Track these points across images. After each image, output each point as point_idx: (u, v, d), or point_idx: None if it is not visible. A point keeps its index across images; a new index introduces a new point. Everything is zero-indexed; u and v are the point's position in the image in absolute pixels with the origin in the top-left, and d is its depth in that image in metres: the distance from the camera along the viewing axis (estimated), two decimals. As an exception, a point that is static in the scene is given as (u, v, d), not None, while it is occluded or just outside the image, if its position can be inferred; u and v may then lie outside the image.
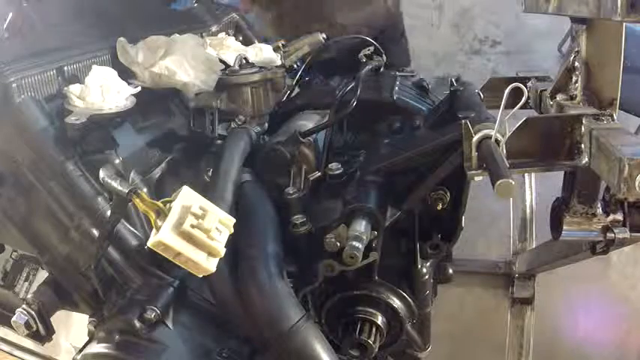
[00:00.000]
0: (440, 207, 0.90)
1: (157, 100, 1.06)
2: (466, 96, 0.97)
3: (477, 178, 0.76)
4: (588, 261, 1.13)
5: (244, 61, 1.11)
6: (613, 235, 0.86)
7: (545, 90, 0.90)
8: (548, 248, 1.32)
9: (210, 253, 0.70)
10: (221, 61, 1.10)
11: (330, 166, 0.94)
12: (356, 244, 0.79)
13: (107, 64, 1.05)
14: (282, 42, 1.31)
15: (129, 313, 0.82)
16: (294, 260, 0.92)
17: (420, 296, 0.97)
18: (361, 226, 0.82)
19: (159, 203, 0.70)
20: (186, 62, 1.05)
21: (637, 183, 0.61)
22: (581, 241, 0.94)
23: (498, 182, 0.64)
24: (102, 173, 0.85)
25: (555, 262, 1.29)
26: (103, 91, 0.92)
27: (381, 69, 1.17)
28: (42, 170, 0.88)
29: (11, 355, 1.65)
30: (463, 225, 0.93)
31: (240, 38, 1.44)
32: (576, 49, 0.81)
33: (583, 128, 0.74)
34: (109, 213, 0.86)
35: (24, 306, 0.95)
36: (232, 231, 0.73)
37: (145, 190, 0.87)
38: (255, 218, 0.91)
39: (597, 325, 1.48)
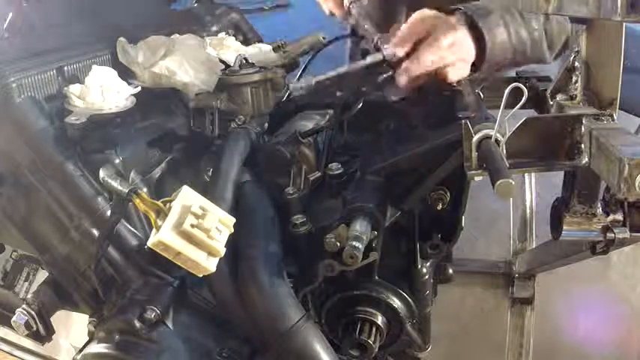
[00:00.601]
0: (440, 207, 0.90)
1: (157, 100, 1.07)
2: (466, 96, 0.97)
3: (476, 178, 0.76)
4: (588, 261, 1.13)
5: (244, 61, 1.11)
6: (613, 235, 0.86)
7: (545, 90, 0.90)
8: (548, 248, 1.32)
9: (210, 253, 0.70)
10: (221, 61, 1.10)
11: (330, 166, 0.93)
12: (356, 244, 0.79)
13: (107, 64, 1.05)
14: (282, 42, 1.31)
15: (129, 313, 0.82)
16: (294, 260, 0.92)
17: (420, 296, 0.97)
18: (361, 226, 0.82)
19: (159, 203, 0.70)
20: (186, 62, 1.05)
21: (637, 183, 0.61)
22: (581, 241, 0.94)
23: (498, 182, 0.64)
24: (102, 173, 0.85)
25: (555, 262, 1.29)
26: (103, 91, 0.92)
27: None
28: (42, 170, 0.88)
29: (11, 355, 1.65)
30: (463, 225, 0.93)
31: (241, 38, 1.44)
32: (576, 49, 0.81)
33: (583, 128, 0.74)
34: (109, 213, 0.86)
35: (24, 306, 0.95)
36: (232, 231, 0.73)
37: (145, 189, 0.87)
38: (255, 218, 0.91)
39: (597, 325, 1.48)
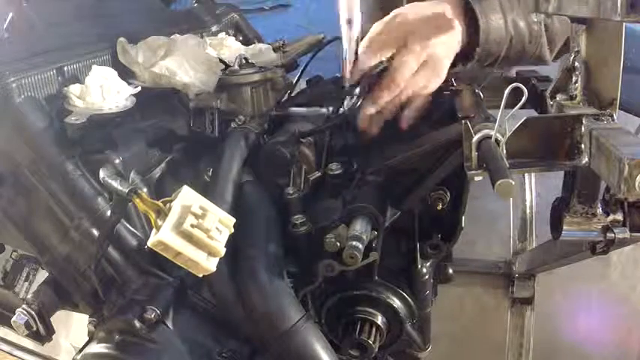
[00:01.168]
0: (440, 207, 0.90)
1: (157, 100, 1.06)
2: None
3: (476, 178, 0.76)
4: (588, 261, 1.13)
5: (244, 61, 1.11)
6: (613, 235, 0.86)
7: (545, 90, 0.90)
8: (548, 248, 1.31)
9: (211, 253, 0.70)
10: (221, 61, 1.10)
11: (330, 166, 0.94)
12: (356, 244, 0.79)
13: (107, 64, 1.05)
14: (282, 42, 1.31)
15: (129, 313, 0.82)
16: (294, 260, 0.92)
17: (420, 296, 0.97)
18: (361, 226, 0.82)
19: (159, 203, 0.70)
20: (186, 63, 1.05)
21: (637, 183, 0.61)
22: (581, 241, 0.94)
23: (498, 182, 0.64)
24: (102, 173, 0.85)
25: (555, 262, 1.29)
26: (103, 91, 0.92)
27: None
28: (42, 170, 0.88)
29: (11, 355, 1.65)
30: (463, 225, 0.93)
31: (240, 38, 1.45)
32: (576, 49, 0.81)
33: (583, 128, 0.74)
34: (109, 213, 0.86)
35: (24, 306, 0.95)
36: (232, 230, 0.73)
37: (145, 189, 0.86)
38: (255, 218, 0.91)
39: (597, 325, 1.48)
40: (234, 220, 0.74)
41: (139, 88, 0.98)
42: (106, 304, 0.89)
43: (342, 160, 0.95)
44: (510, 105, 0.72)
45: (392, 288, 0.94)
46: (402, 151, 0.90)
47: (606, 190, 0.85)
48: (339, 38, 1.18)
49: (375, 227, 0.84)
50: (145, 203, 0.71)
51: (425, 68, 0.91)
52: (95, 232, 0.87)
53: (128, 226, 0.90)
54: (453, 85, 1.00)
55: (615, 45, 0.78)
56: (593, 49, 0.80)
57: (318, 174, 0.95)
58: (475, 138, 0.73)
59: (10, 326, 0.96)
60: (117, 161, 0.89)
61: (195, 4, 1.53)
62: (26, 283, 1.12)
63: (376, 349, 0.92)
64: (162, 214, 0.69)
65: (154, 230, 0.69)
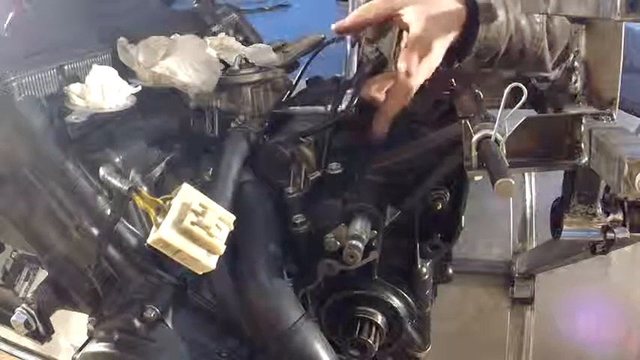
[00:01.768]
0: (440, 207, 0.90)
1: (157, 99, 1.07)
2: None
3: (476, 178, 0.76)
4: (588, 261, 1.13)
5: (244, 61, 1.11)
6: (613, 235, 0.86)
7: (545, 90, 0.90)
8: (548, 248, 1.31)
9: (210, 250, 0.70)
10: (221, 61, 1.10)
11: (330, 165, 0.94)
12: (356, 243, 0.79)
13: (107, 63, 1.05)
14: (282, 42, 1.31)
15: (128, 312, 0.82)
16: (294, 260, 0.92)
17: (420, 296, 0.97)
18: (361, 226, 0.82)
19: (159, 200, 0.70)
20: (186, 62, 1.05)
21: (637, 182, 0.61)
22: (581, 241, 0.94)
23: (498, 182, 0.65)
24: (102, 171, 0.85)
25: (555, 262, 1.29)
26: (103, 91, 0.92)
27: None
28: (42, 170, 0.88)
29: (11, 355, 1.65)
30: (463, 225, 0.93)
31: (241, 38, 1.45)
32: (576, 49, 0.81)
33: (583, 128, 0.74)
34: (109, 212, 0.86)
35: (23, 305, 0.95)
36: (232, 228, 0.73)
37: (145, 188, 0.86)
38: (255, 218, 0.91)
39: (597, 325, 1.48)
40: (234, 217, 0.74)
41: (140, 88, 0.98)
42: (106, 303, 0.89)
43: (342, 160, 0.95)
44: (510, 105, 0.72)
45: (392, 288, 0.94)
46: (401, 151, 0.90)
47: (606, 190, 0.85)
48: (339, 39, 1.18)
49: (374, 227, 0.84)
50: (145, 200, 0.71)
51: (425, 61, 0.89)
52: (95, 231, 0.87)
53: (128, 225, 0.90)
54: (452, 85, 1.00)
55: (615, 45, 0.78)
56: (592, 49, 0.81)
57: (318, 174, 0.95)
58: (475, 138, 0.73)
59: (10, 325, 0.96)
60: (117, 160, 0.89)
61: (196, 4, 1.53)
62: (26, 283, 1.12)
63: (376, 349, 0.92)
64: (162, 211, 0.69)
65: (153, 227, 0.69)
